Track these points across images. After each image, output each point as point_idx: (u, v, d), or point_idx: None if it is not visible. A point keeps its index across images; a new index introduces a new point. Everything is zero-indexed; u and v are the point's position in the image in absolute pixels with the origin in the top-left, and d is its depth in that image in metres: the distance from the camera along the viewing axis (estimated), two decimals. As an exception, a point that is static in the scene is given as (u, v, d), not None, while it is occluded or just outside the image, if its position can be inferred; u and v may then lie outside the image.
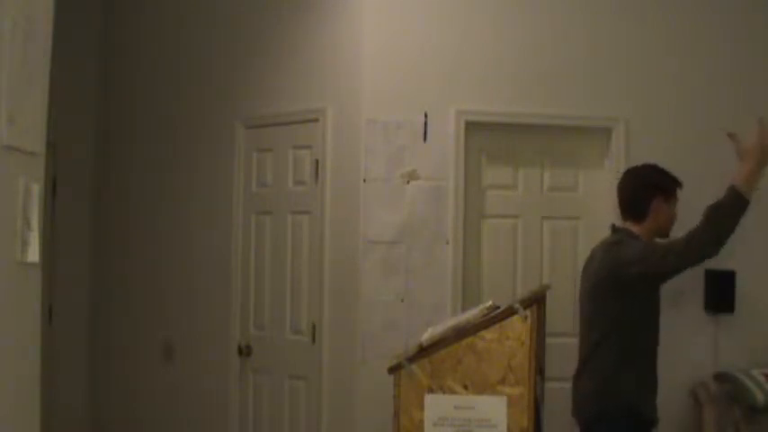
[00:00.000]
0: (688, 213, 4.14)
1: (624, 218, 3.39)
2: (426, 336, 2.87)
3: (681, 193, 3.43)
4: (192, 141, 4.67)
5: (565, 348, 3.99)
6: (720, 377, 4.01)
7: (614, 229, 3.42)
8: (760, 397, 3.84)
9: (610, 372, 3.20)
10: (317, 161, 4.05)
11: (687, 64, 4.19)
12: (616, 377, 3.19)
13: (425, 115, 3.90)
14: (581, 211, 4.16)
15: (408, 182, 3.90)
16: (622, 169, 4.07)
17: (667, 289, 4.11)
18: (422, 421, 2.73)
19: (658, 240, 3.37)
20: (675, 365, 4.10)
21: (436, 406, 2.72)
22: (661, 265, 3.17)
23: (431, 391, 2.74)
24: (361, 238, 3.85)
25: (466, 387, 2.72)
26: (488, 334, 2.73)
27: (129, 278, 4.97)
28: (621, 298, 3.21)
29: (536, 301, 2.80)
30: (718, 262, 4.13)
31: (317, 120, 4.05)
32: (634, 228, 3.34)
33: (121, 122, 5.10)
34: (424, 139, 3.90)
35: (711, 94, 4.21)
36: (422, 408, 2.73)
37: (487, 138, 4.04)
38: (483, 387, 2.71)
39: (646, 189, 3.36)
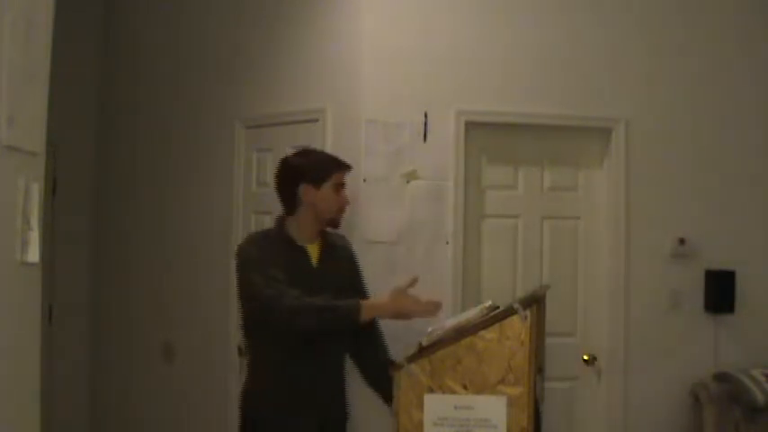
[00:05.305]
0: (689, 213, 4.17)
1: (283, 210, 3.20)
2: (426, 336, 2.87)
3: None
4: (191, 141, 4.68)
5: (565, 348, 4.01)
6: (720, 377, 4.01)
7: (276, 218, 3.24)
8: (760, 397, 3.84)
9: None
10: (316, 161, 4.05)
11: (687, 64, 4.19)
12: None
13: (425, 115, 3.90)
14: (581, 211, 4.16)
15: (408, 182, 3.90)
16: (623, 169, 4.09)
17: (667, 289, 4.15)
18: (422, 421, 2.73)
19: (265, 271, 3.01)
20: (675, 365, 4.10)
21: (436, 406, 2.72)
22: (251, 298, 3.00)
23: (430, 390, 2.74)
24: (361, 238, 3.85)
25: (465, 387, 2.72)
26: (488, 334, 2.73)
27: (130, 278, 4.97)
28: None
29: (536, 301, 2.80)
30: (719, 262, 4.15)
31: (316, 120, 4.05)
32: (289, 220, 3.15)
33: (121, 122, 5.11)
34: (424, 139, 3.90)
35: (711, 95, 4.21)
36: (422, 408, 2.73)
37: (487, 138, 4.04)
38: (483, 387, 2.71)
39: (290, 177, 3.15)
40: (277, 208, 4.29)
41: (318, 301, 3.03)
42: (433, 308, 3.04)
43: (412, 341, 2.92)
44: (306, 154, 3.28)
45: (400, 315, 3.03)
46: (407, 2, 3.99)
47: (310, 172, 3.12)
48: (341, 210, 3.19)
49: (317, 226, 3.17)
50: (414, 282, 3.07)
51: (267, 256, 3.05)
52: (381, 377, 3.20)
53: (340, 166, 3.20)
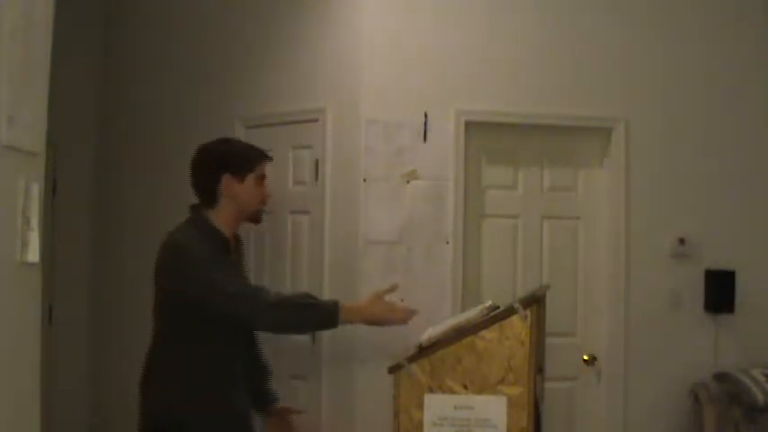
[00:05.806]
0: (689, 213, 4.17)
1: (200, 201, 3.02)
2: (426, 336, 2.87)
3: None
4: (191, 141, 4.63)
5: (565, 348, 4.01)
6: (720, 377, 4.01)
7: (192, 207, 3.03)
8: (760, 397, 3.84)
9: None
10: (317, 161, 4.05)
11: (687, 64, 4.19)
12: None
13: (425, 115, 3.90)
14: (581, 211, 4.16)
15: (408, 182, 3.90)
16: (623, 169, 4.09)
17: (667, 289, 4.15)
18: (422, 421, 2.73)
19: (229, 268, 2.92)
20: (675, 365, 4.10)
21: (436, 406, 2.72)
22: (210, 294, 2.82)
23: (430, 390, 2.74)
24: (361, 238, 3.85)
25: (466, 387, 2.72)
26: (488, 334, 2.73)
27: (129, 278, 4.96)
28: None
29: (536, 301, 2.80)
30: (719, 262, 4.15)
31: (316, 120, 4.05)
32: (210, 213, 2.96)
33: (121, 122, 5.10)
34: (424, 139, 3.90)
35: (711, 94, 4.22)
36: (422, 408, 2.73)
37: (487, 138, 4.04)
38: (483, 387, 2.71)
39: (211, 167, 2.97)
40: (277, 208, 4.29)
41: (297, 299, 3.01)
42: (408, 316, 3.01)
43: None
44: (228, 142, 3.11)
45: (375, 321, 3.01)
46: (407, 2, 3.99)
47: (234, 162, 2.96)
48: (263, 203, 3.03)
49: (238, 220, 3.01)
50: (393, 288, 3.06)
51: (210, 251, 2.89)
52: (261, 381, 3.18)
53: (263, 157, 3.05)
